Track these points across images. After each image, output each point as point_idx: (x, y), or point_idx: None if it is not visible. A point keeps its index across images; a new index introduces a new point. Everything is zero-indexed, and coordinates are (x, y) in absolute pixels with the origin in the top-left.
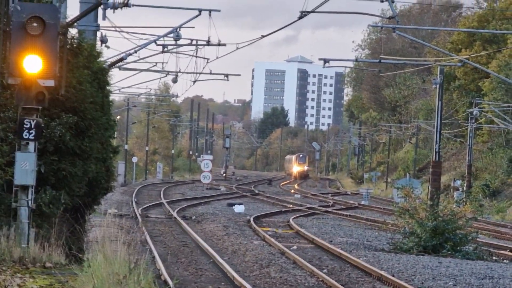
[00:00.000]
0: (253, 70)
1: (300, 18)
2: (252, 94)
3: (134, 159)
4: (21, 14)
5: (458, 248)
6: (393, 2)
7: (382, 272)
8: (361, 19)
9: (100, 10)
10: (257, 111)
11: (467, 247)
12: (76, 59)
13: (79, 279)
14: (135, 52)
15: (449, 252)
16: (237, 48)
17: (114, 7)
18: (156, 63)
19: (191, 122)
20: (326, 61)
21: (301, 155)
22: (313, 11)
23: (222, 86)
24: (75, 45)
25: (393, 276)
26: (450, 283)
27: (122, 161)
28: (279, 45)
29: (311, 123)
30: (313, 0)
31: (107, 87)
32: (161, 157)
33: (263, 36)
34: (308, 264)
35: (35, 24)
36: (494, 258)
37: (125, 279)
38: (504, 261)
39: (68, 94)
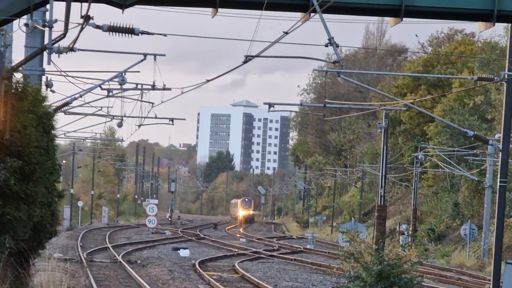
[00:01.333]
0: (198, 114)
1: (244, 62)
2: (197, 138)
3: (80, 203)
4: None
5: None
6: (337, 46)
7: None
8: (308, 64)
9: (45, 54)
10: (203, 155)
11: None
12: (21, 103)
13: None
14: (80, 96)
15: None
16: (182, 93)
17: (59, 51)
18: (101, 107)
19: (136, 166)
20: (271, 105)
21: (246, 199)
22: (257, 56)
23: (167, 130)
24: (20, 90)
25: None
26: None
27: (68, 205)
28: (225, 89)
29: (257, 167)
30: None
31: (52, 131)
32: (107, 201)
33: (208, 81)
34: None
35: None
36: None
37: None
38: None
39: (12, 138)
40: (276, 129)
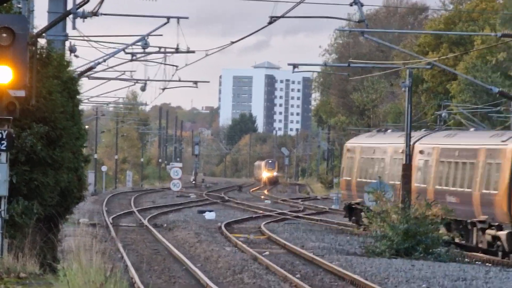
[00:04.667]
0: (220, 77)
1: (269, 23)
2: (220, 101)
3: (104, 168)
4: None
5: (430, 250)
6: (362, 6)
7: (355, 276)
8: (330, 24)
9: (68, 19)
10: (225, 118)
11: (439, 249)
12: (46, 69)
13: None
14: (104, 61)
15: (422, 255)
16: (206, 55)
17: (84, 16)
18: (125, 71)
19: (159, 130)
20: (295, 66)
21: (270, 161)
22: (282, 16)
23: (190, 93)
24: (44, 55)
25: (366, 279)
26: (423, 285)
27: (92, 170)
28: (249, 51)
29: (280, 129)
30: (282, 5)
31: (77, 97)
32: (131, 166)
33: (232, 42)
34: (281, 270)
35: (4, 35)
36: (466, 260)
37: (102, 287)
38: (477, 262)
39: (38, 104)
40: (299, 90)
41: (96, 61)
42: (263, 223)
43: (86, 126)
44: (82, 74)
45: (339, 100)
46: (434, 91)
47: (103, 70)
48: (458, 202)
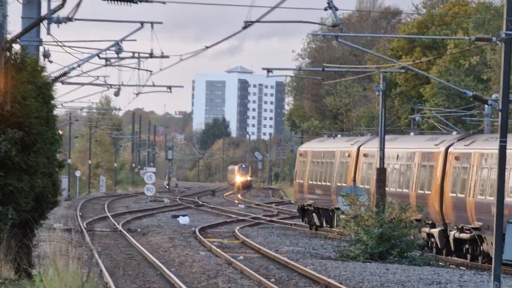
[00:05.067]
0: (193, 81)
1: (244, 28)
2: (193, 105)
3: (77, 173)
4: None
5: (405, 254)
6: (336, 10)
7: (330, 280)
8: (303, 28)
9: (42, 25)
10: (199, 122)
11: (413, 253)
12: (20, 74)
13: None
14: (78, 66)
15: (396, 259)
16: (181, 60)
17: (58, 21)
18: (98, 76)
19: (133, 135)
20: (269, 70)
21: (243, 165)
22: (257, 21)
23: (162, 98)
24: (18, 61)
25: (341, 283)
26: None
27: (66, 175)
28: (223, 55)
29: (253, 133)
30: (256, 9)
31: (52, 102)
32: (104, 171)
33: (207, 47)
34: (255, 274)
35: None
36: (440, 263)
37: None
38: (451, 266)
39: (13, 110)
40: (272, 95)
41: (70, 66)
42: (237, 227)
43: (60, 132)
44: (56, 79)
45: (312, 105)
46: (408, 95)
47: (77, 75)
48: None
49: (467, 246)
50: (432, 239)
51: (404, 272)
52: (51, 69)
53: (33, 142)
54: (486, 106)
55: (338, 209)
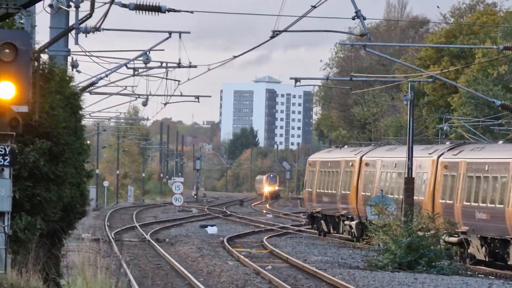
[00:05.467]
0: (221, 91)
1: (272, 37)
2: (220, 115)
3: (105, 183)
4: None
5: (433, 263)
6: (364, 19)
7: None
8: (331, 38)
9: (70, 35)
10: (226, 132)
11: (442, 262)
12: (48, 84)
13: None
14: (106, 76)
15: (424, 268)
16: (209, 69)
17: (86, 31)
18: (126, 86)
19: (160, 145)
20: (297, 80)
21: (271, 175)
22: (285, 30)
23: (190, 108)
24: (46, 71)
25: None
26: None
27: (94, 185)
28: (251, 65)
29: (281, 143)
30: (284, 19)
31: (80, 112)
32: (132, 181)
33: (235, 57)
34: (283, 284)
35: (7, 51)
36: (469, 272)
37: None
38: (479, 275)
39: (41, 120)
40: (299, 104)
41: (98, 76)
42: (265, 237)
43: (88, 141)
44: (84, 89)
45: (340, 114)
46: (435, 105)
47: (105, 85)
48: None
49: (455, 248)
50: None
51: (433, 281)
52: (79, 79)
53: (61, 152)
54: None
55: (343, 215)
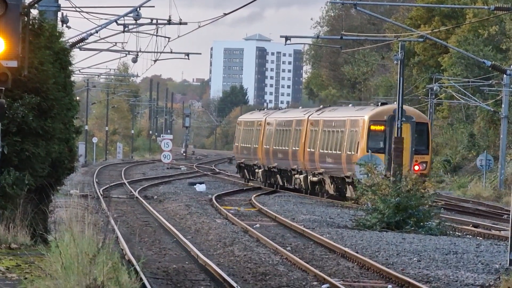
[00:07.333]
0: (211, 48)
1: None
2: (210, 73)
3: (94, 140)
4: None
5: (421, 224)
6: None
7: (346, 249)
8: None
9: None
10: (216, 90)
11: (430, 222)
12: (38, 39)
13: (46, 259)
14: (96, 32)
15: (412, 228)
16: (199, 26)
17: None
18: (116, 43)
19: (150, 101)
20: (287, 38)
21: None
22: None
23: (180, 65)
24: (36, 26)
25: (357, 252)
26: (414, 258)
27: (83, 141)
28: (242, 22)
29: (270, 101)
30: None
31: (69, 68)
32: (121, 137)
33: (225, 14)
34: (271, 242)
35: None
36: (457, 233)
37: (94, 258)
38: (467, 236)
39: (30, 75)
40: (289, 63)
41: (88, 32)
42: (254, 195)
43: (78, 98)
44: (74, 45)
45: (330, 73)
46: (426, 64)
47: (95, 41)
48: (282, 158)
49: (316, 186)
50: (301, 183)
51: (421, 241)
52: (69, 35)
53: (50, 108)
54: (504, 76)
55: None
